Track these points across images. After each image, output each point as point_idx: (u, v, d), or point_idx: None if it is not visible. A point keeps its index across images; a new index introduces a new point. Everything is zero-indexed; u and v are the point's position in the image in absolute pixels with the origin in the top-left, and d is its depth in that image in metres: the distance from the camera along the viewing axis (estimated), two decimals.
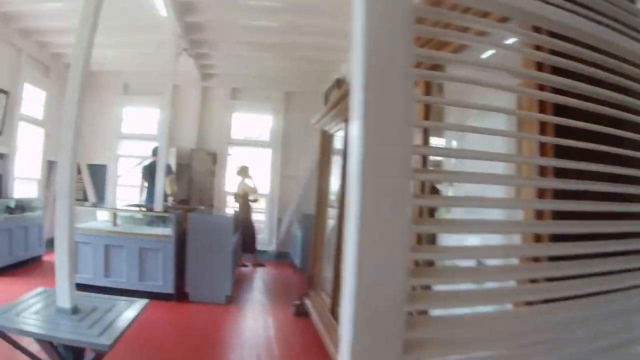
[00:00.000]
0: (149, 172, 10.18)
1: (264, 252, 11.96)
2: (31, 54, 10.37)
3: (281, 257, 12.16)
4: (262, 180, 12.06)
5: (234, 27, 9.13)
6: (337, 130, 6.72)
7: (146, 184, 10.44)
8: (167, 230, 7.87)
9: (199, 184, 12.23)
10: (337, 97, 5.81)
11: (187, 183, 12.12)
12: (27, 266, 9.37)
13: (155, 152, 10.18)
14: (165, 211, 8.57)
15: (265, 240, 12.44)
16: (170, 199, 10.12)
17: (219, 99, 12.73)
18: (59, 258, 4.16)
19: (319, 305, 6.37)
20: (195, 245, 7.67)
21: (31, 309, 4.22)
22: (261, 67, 11.57)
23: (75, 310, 4.19)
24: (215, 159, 12.46)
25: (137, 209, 9.57)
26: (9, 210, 9.26)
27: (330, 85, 10.86)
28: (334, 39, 9.05)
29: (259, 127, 13.07)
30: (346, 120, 5.73)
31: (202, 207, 10.58)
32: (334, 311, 5.68)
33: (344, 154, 5.82)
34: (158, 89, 11.08)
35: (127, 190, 12.89)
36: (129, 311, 4.41)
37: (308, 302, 6.85)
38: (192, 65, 10.83)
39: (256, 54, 10.66)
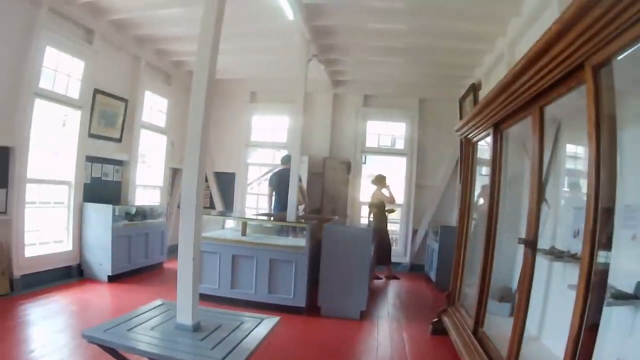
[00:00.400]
0: (277, 181, 10.00)
1: (397, 264, 11.57)
2: (150, 61, 10.39)
3: (415, 270, 11.72)
4: (397, 190, 11.47)
5: (364, 31, 8.75)
6: (484, 138, 6.06)
7: (274, 193, 10.24)
8: (300, 241, 7.53)
9: (332, 193, 11.91)
10: (484, 102, 5.16)
11: (319, 192, 11.85)
12: (147, 273, 9.34)
13: (284, 160, 10.08)
14: (299, 221, 8.21)
15: (399, 252, 11.99)
16: (301, 207, 9.84)
17: (350, 106, 12.38)
18: (182, 270, 3.79)
19: (459, 324, 5.79)
20: (330, 257, 7.28)
21: (147, 323, 3.81)
22: (393, 72, 11.12)
23: (197, 328, 3.74)
24: (348, 168, 12.14)
25: (268, 218, 9.34)
26: (129, 217, 9.22)
27: (465, 90, 10.36)
28: (468, 42, 8.62)
29: (393, 135, 12.59)
30: (495, 126, 5.14)
31: (337, 217, 10.23)
32: (476, 332, 5.06)
33: (495, 163, 5.17)
34: (287, 97, 11.03)
35: (255, 198, 12.91)
36: (258, 330, 3.89)
37: (447, 320, 6.30)
38: (322, 71, 10.51)
39: (387, 59, 10.17)
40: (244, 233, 8.11)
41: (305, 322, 6.92)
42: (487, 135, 5.57)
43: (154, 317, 4.02)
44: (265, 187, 11.22)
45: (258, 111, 12.78)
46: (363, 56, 10.13)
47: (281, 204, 9.79)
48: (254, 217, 9.98)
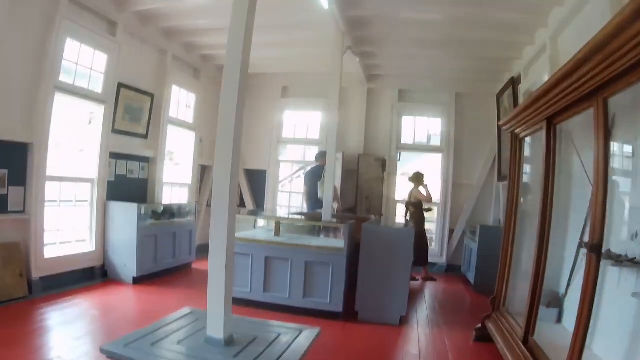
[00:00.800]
0: (312, 179, 9.72)
1: (433, 264, 11.16)
2: (177, 55, 10.08)
3: (451, 271, 11.32)
4: (433, 188, 10.97)
5: (399, 22, 8.34)
6: (533, 133, 5.67)
7: (307, 192, 9.98)
8: (337, 242, 7.13)
9: (367, 191, 11.48)
10: (537, 94, 4.76)
11: (353, 190, 11.41)
12: (174, 274, 9.01)
13: (318, 157, 9.80)
14: (336, 221, 7.85)
15: (435, 252, 11.58)
16: (335, 206, 9.47)
17: (385, 101, 11.98)
18: (214, 277, 3.44)
19: (506, 331, 5.36)
20: (369, 259, 6.81)
21: (174, 336, 3.40)
22: (429, 66, 10.72)
23: (229, 342, 3.36)
24: (383, 165, 11.74)
25: (302, 217, 8.97)
26: (156, 215, 8.87)
27: (504, 85, 10.01)
28: (506, 34, 8.23)
29: (428, 131, 12.21)
30: (549, 121, 4.75)
31: (374, 217, 9.79)
32: (527, 340, 4.67)
33: (549, 160, 4.79)
34: (320, 91, 10.94)
35: (287, 196, 12.65)
36: (298, 343, 3.47)
37: (491, 327, 5.88)
38: (355, 65, 10.09)
39: (423, 52, 9.77)
40: (277, 233, 7.70)
41: (343, 328, 6.49)
42: (538, 130, 5.23)
43: (182, 328, 3.63)
44: (301, 186, 11.01)
45: (290, 106, 12.44)
46: (398, 49, 9.75)
47: (314, 202, 9.52)
48: (288, 216, 9.66)
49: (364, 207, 11.27)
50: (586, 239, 4.28)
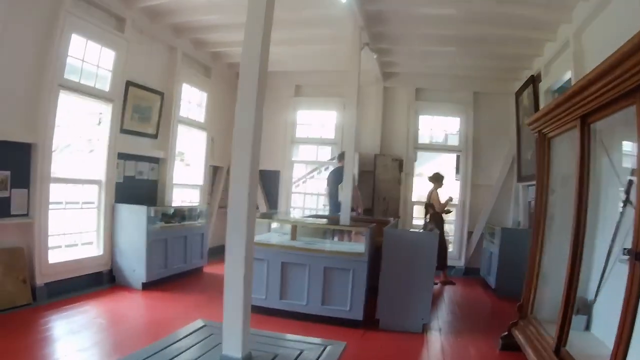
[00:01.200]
0: (334, 180, 9.53)
1: (451, 267, 10.78)
2: (187, 52, 9.75)
3: (469, 274, 10.97)
4: (451, 189, 10.84)
5: (417, 17, 8.12)
6: (563, 132, 5.37)
7: (329, 193, 9.78)
8: (357, 247, 6.78)
9: (383, 192, 11.18)
10: (572, 92, 4.49)
11: (370, 191, 11.15)
12: (185, 279, 8.66)
13: (340, 157, 9.55)
14: (355, 224, 7.55)
15: (453, 255, 11.22)
16: (359, 210, 9.36)
17: (401, 100, 11.66)
18: (230, 290, 3.18)
19: (535, 341, 5.07)
20: (391, 264, 6.47)
21: (186, 354, 3.10)
22: (446, 64, 10.45)
23: None
24: (401, 166, 11.35)
25: (319, 220, 8.73)
26: (166, 218, 8.53)
27: (523, 83, 9.79)
28: (527, 29, 8.00)
29: (445, 130, 11.94)
30: (583, 119, 4.48)
31: (393, 219, 9.42)
32: (559, 351, 4.39)
33: (583, 161, 4.55)
34: (334, 90, 10.78)
35: (301, 197, 12.45)
36: None
37: (519, 335, 5.54)
38: (371, 63, 9.79)
39: (440, 49, 9.52)
40: (294, 237, 7.40)
41: (363, 337, 6.09)
42: (569, 129, 4.96)
43: (195, 344, 3.34)
44: (321, 187, 10.97)
45: (303, 105, 12.14)
46: (415, 46, 9.47)
47: (335, 204, 9.34)
48: (304, 219, 9.32)
49: (381, 208, 10.99)
50: (618, 243, 4.20)
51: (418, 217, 11.22)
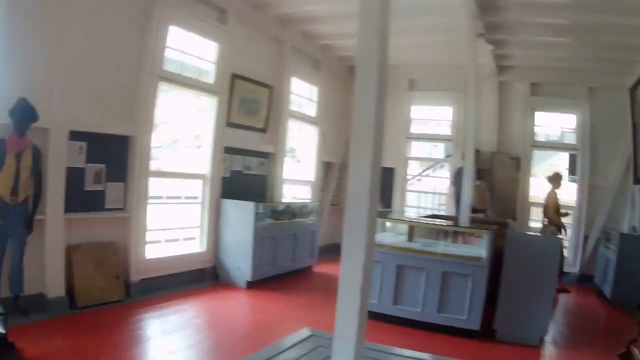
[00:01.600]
0: (460, 179, 8.62)
1: (566, 274, 9.67)
2: (296, 45, 9.15)
3: (584, 281, 9.82)
4: (568, 191, 9.99)
5: (532, 4, 7.24)
6: None
7: (456, 192, 8.91)
8: (477, 251, 5.96)
9: (500, 192, 10.31)
10: None
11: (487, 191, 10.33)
12: (293, 279, 8.11)
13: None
14: (475, 226, 6.74)
15: (568, 261, 10.07)
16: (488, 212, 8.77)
17: (516, 95, 10.80)
18: (345, 298, 2.62)
19: None
20: (513, 270, 5.67)
21: None
22: (560, 56, 9.49)
23: None
24: (518, 164, 10.48)
25: (438, 221, 7.88)
26: (275, 215, 8.00)
27: (638, 78, 8.99)
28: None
29: (561, 128, 11.05)
30: None
31: (511, 221, 8.54)
32: None
33: None
34: (449, 84, 10.28)
35: (416, 196, 11.80)
36: None
37: (638, 353, 4.74)
38: (486, 55, 8.95)
39: (555, 40, 8.57)
40: (410, 238, 6.60)
41: (479, 349, 5.42)
42: None
43: (301, 357, 2.78)
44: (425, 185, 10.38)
45: (418, 100, 11.37)
46: (530, 36, 8.56)
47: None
48: (423, 218, 8.44)
49: (498, 209, 10.09)
50: None
51: (535, 219, 10.35)
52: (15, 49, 4.83)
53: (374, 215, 2.61)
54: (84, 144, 5.55)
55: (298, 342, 3.14)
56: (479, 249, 6.00)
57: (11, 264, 4.83)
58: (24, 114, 4.64)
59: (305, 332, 3.37)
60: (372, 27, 2.77)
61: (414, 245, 6.24)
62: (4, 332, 3.55)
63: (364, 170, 2.64)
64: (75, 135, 5.41)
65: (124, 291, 5.93)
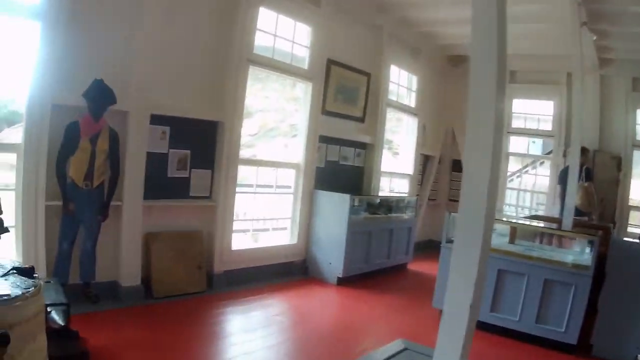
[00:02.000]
0: (565, 178, 7.79)
1: None
2: (393, 32, 8.41)
3: None
4: None
5: None
6: None
7: (562, 193, 8.13)
8: (584, 258, 5.16)
9: (602, 194, 9.30)
10: None
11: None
12: (386, 276, 7.47)
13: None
14: (580, 230, 5.87)
15: None
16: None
17: (617, 90, 9.77)
18: (451, 313, 2.17)
19: None
20: (615, 281, 4.87)
21: None
22: None
23: None
24: (619, 165, 9.53)
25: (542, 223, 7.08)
26: (371, 209, 7.38)
27: None
28: None
29: None
30: None
31: (612, 225, 7.73)
32: None
33: None
34: (550, 77, 9.86)
35: (515, 194, 11.17)
36: None
37: None
38: (588, 46, 7.91)
39: None
40: (512, 240, 5.89)
41: None
42: None
43: None
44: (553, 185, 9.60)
45: (518, 93, 10.46)
46: (635, 28, 7.54)
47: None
48: (526, 220, 7.68)
49: (598, 212, 9.10)
50: None
51: (634, 224, 9.50)
52: (93, 32, 4.44)
53: (490, 223, 2.06)
54: (167, 129, 5.14)
55: (391, 356, 2.66)
56: (584, 255, 5.24)
57: (82, 250, 4.46)
58: (100, 95, 4.25)
59: (399, 344, 2.85)
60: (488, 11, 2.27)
61: (516, 248, 5.50)
62: (62, 324, 3.23)
63: (482, 172, 2.12)
64: (157, 120, 4.99)
65: (206, 282, 5.48)
